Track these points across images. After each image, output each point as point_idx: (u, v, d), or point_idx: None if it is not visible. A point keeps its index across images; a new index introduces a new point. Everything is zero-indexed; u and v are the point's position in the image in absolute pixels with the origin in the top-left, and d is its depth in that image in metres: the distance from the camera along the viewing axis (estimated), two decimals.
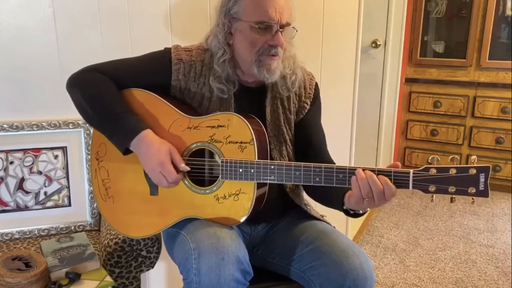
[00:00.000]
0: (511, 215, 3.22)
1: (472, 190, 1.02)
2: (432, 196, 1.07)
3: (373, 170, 1.07)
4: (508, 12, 3.34)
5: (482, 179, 1.01)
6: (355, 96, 2.25)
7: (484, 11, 3.39)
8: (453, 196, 1.05)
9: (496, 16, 3.36)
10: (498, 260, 2.61)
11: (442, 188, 1.04)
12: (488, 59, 3.46)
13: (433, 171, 1.04)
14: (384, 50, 3.29)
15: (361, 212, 1.19)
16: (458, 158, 1.06)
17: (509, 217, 3.18)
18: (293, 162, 1.15)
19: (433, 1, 3.58)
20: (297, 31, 1.26)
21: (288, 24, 1.22)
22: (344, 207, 1.18)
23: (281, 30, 1.21)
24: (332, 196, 1.21)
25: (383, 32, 3.26)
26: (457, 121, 3.63)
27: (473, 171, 1.02)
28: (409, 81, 3.72)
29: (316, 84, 1.41)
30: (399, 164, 1.09)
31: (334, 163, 1.35)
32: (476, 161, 1.04)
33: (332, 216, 1.41)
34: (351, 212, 1.19)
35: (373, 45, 3.25)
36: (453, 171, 1.03)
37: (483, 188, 1.01)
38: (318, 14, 2.06)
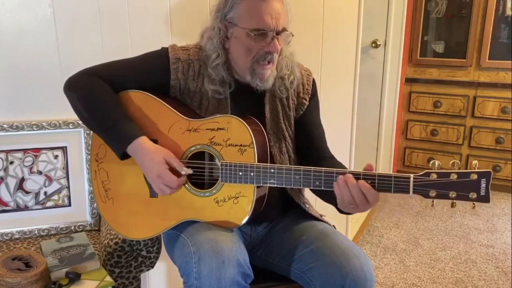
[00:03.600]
0: (511, 215, 3.23)
1: (473, 195, 1.02)
2: (433, 201, 1.06)
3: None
4: (508, 12, 3.34)
5: (483, 184, 1.00)
6: (355, 96, 2.25)
7: (484, 11, 3.39)
8: (454, 201, 1.04)
9: (496, 16, 3.36)
10: (498, 260, 2.61)
11: (442, 193, 1.03)
12: (488, 59, 3.45)
13: (434, 176, 1.03)
14: (384, 50, 3.29)
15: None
16: (459, 162, 1.05)
17: (509, 217, 3.18)
18: (293, 166, 1.15)
19: (433, 1, 3.57)
20: (293, 35, 1.26)
21: (284, 30, 1.22)
22: (338, 206, 1.18)
23: (277, 36, 1.20)
24: (332, 194, 1.20)
25: (383, 32, 3.26)
26: (457, 121, 3.63)
27: (474, 176, 1.01)
28: (409, 81, 3.72)
29: (314, 80, 1.41)
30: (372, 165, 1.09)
31: (335, 158, 1.36)
32: (477, 166, 1.02)
33: (332, 216, 1.41)
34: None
35: (373, 45, 3.25)
36: (454, 176, 1.02)
37: (484, 193, 1.01)
38: (318, 14, 2.06)
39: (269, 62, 1.23)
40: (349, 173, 1.09)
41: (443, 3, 3.55)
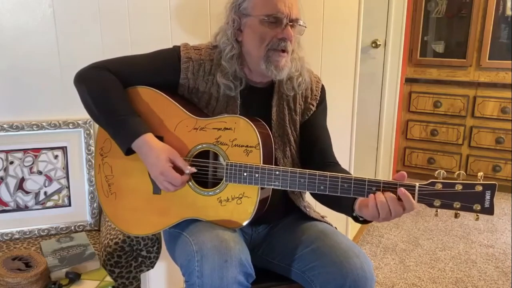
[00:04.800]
0: (511, 215, 3.23)
1: (477, 207, 1.02)
2: (437, 211, 1.06)
3: (378, 183, 1.07)
4: (508, 12, 3.34)
5: (488, 196, 1.01)
6: (355, 96, 2.25)
7: (484, 11, 3.39)
8: (458, 211, 1.04)
9: (496, 16, 3.36)
10: (498, 260, 2.61)
11: (447, 204, 1.03)
12: (488, 59, 3.46)
13: (439, 186, 1.03)
14: (384, 50, 3.28)
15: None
16: (465, 173, 1.05)
17: (509, 217, 3.18)
18: (298, 169, 1.14)
19: (433, 1, 3.58)
20: (305, 27, 1.27)
21: (297, 20, 1.23)
22: (354, 214, 1.17)
23: (290, 24, 1.22)
24: (341, 202, 1.19)
25: (383, 32, 3.25)
26: (457, 121, 3.63)
27: (479, 188, 1.01)
28: (409, 81, 3.72)
29: (323, 86, 1.41)
30: (405, 174, 1.08)
31: (339, 165, 1.35)
32: (482, 177, 1.02)
33: (332, 216, 1.41)
34: (361, 219, 1.17)
35: (373, 45, 3.25)
36: (459, 187, 1.02)
37: (488, 206, 1.01)
38: (318, 14, 2.06)
39: (283, 51, 1.23)
40: (354, 179, 1.08)
41: (443, 3, 3.55)
